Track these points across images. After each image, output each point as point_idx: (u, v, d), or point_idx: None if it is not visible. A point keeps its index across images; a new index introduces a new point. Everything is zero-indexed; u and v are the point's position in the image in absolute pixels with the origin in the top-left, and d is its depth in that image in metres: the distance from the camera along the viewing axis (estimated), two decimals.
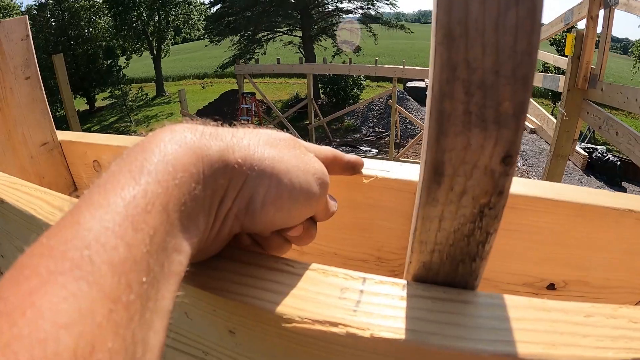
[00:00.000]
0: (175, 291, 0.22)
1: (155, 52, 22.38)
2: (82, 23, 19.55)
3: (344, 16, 18.78)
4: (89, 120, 18.86)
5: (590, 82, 3.87)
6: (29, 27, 0.75)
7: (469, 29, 0.21)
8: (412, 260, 0.31)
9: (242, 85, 11.64)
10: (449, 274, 0.30)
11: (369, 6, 18.04)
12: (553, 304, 0.27)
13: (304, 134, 11.93)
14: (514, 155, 0.24)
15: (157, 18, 21.20)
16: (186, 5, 21.40)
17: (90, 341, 0.16)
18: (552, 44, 16.18)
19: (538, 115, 5.07)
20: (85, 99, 20.38)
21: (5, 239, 0.54)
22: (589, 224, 0.45)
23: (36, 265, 0.17)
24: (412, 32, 19.19)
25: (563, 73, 4.28)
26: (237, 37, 18.38)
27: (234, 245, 0.33)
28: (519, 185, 0.46)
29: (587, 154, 9.99)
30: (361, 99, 15.44)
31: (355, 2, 18.07)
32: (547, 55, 5.90)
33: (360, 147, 12.42)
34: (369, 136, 13.62)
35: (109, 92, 19.53)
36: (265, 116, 13.77)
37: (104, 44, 20.33)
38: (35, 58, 0.76)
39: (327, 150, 0.39)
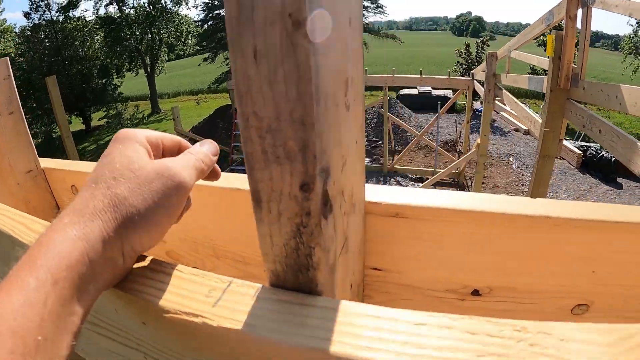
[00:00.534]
0: (71, 341, 0.30)
1: (149, 69, 22.60)
2: (77, 43, 19.78)
3: None
4: (86, 140, 18.96)
5: (572, 82, 3.90)
6: (10, 68, 0.84)
7: (251, 87, 0.26)
8: (266, 269, 0.36)
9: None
10: (293, 281, 0.34)
11: None
12: (387, 311, 0.31)
13: None
14: (309, 183, 0.29)
15: (149, 36, 21.44)
16: (175, 23, 21.60)
17: None
18: (539, 45, 16.29)
19: (525, 117, 5.09)
20: (81, 119, 20.50)
21: None
22: (505, 231, 0.48)
23: None
24: (402, 41, 19.33)
25: None
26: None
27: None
28: (427, 198, 0.49)
29: (581, 152, 10.01)
30: None
31: None
32: (530, 57, 5.94)
33: None
34: None
35: (104, 111, 19.68)
36: None
37: (98, 63, 20.53)
38: (17, 94, 0.86)
39: (174, 140, 0.44)
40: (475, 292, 0.54)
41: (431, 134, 11.09)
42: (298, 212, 0.30)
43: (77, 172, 0.87)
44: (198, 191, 0.60)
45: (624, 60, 18.49)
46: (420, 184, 9.08)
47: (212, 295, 0.35)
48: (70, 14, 20.02)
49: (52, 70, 16.59)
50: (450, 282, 0.54)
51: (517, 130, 13.48)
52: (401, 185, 10.46)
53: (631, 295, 0.47)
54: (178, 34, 22.02)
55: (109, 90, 19.85)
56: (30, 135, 0.89)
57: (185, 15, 22.72)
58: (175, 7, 21.68)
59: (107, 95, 19.74)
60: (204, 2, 19.79)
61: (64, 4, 19.77)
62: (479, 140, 6.62)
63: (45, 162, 0.92)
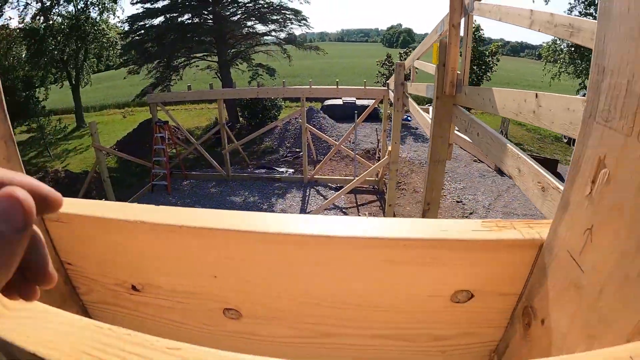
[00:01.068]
0: None
1: (74, 81, 21.01)
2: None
3: (259, 39, 18.79)
4: None
5: (457, 88, 4.01)
6: None
7: None
8: None
9: (156, 114, 11.23)
10: None
11: (282, 29, 18.14)
12: (87, 322, 0.42)
13: (220, 160, 11.61)
14: None
15: (74, 47, 19.99)
16: (101, 28, 20.39)
17: None
18: None
19: (424, 124, 5.21)
20: None
21: None
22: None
23: None
24: (326, 52, 19.59)
25: None
26: (154, 64, 17.81)
27: None
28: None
29: None
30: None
31: (270, 25, 18.15)
32: (430, 66, 6.16)
33: (277, 168, 12.29)
34: (286, 156, 13.56)
35: (26, 126, 17.84)
36: (181, 143, 13.23)
37: (21, 74, 18.78)
38: None
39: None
40: (134, 288, 0.74)
41: (354, 143, 11.24)
42: None
43: None
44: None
45: (544, 68, 19.88)
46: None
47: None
48: None
49: None
50: (116, 278, 0.74)
51: None
52: (321, 194, 10.48)
53: None
54: (103, 41, 20.78)
55: (32, 103, 18.00)
56: None
57: (114, 24, 21.67)
58: (100, 15, 20.55)
59: (30, 110, 17.88)
60: (127, 16, 18.86)
61: None
62: (389, 148, 6.74)
63: None
